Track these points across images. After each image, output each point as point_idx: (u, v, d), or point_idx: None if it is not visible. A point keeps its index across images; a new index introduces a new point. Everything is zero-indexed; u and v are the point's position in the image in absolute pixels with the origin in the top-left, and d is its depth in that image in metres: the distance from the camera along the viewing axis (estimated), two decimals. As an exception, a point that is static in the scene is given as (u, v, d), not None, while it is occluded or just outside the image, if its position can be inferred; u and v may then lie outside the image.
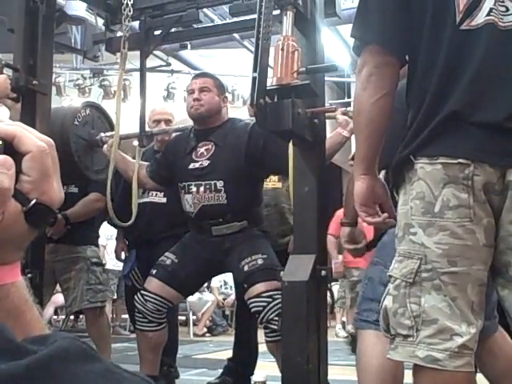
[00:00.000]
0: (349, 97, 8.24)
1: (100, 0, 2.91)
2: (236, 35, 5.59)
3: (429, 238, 1.27)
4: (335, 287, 7.93)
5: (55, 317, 7.32)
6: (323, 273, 1.99)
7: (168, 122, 3.34)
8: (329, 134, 2.38)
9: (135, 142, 2.88)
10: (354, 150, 1.59)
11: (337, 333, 7.33)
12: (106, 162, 2.90)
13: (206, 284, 7.58)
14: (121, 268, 3.94)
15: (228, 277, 6.66)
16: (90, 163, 2.93)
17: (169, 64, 6.40)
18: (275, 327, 2.33)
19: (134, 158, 2.86)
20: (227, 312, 8.03)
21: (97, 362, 0.40)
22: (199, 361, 4.77)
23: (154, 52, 3.77)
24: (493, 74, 1.27)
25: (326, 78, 2.31)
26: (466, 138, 1.27)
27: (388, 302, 1.34)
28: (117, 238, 3.71)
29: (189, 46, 4.92)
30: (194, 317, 7.40)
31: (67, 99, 6.74)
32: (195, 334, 7.17)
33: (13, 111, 2.57)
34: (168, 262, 2.60)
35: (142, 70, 2.87)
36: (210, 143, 2.63)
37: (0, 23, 2.78)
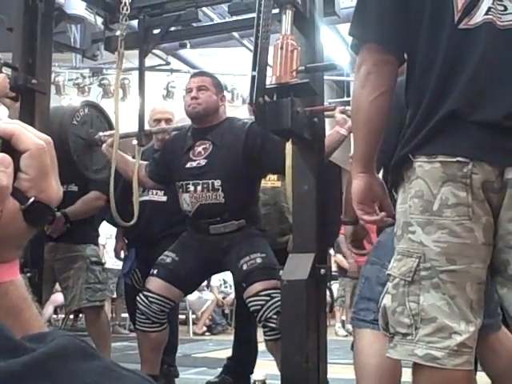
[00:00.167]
0: (348, 96, 8.23)
1: (99, -1, 2.91)
2: (235, 34, 5.59)
3: (427, 236, 1.27)
4: (335, 286, 7.93)
5: (55, 316, 7.32)
6: (322, 271, 1.99)
7: (168, 121, 3.34)
8: (327, 132, 2.38)
9: (134, 141, 2.87)
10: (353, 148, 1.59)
11: (336, 331, 7.34)
12: (104, 162, 2.90)
13: (205, 283, 7.58)
14: (120, 267, 3.94)
15: (227, 276, 6.66)
16: (88, 162, 2.93)
17: (168, 63, 6.40)
18: (274, 326, 2.33)
19: (133, 157, 2.86)
20: (227, 311, 8.04)
21: (96, 359, 0.40)
22: (199, 360, 4.77)
23: (154, 51, 3.76)
24: (491, 73, 1.27)
25: (325, 77, 2.31)
26: (465, 136, 1.27)
27: (387, 300, 1.34)
28: (116, 237, 3.71)
29: (188, 44, 4.90)
30: (194, 316, 7.40)
31: (66, 98, 6.74)
32: (195, 333, 7.17)
33: (12, 110, 2.57)
34: (168, 260, 2.60)
35: (141, 69, 2.87)
36: (207, 142, 2.63)
37: (-1, 22, 2.78)
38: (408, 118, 1.38)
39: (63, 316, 7.31)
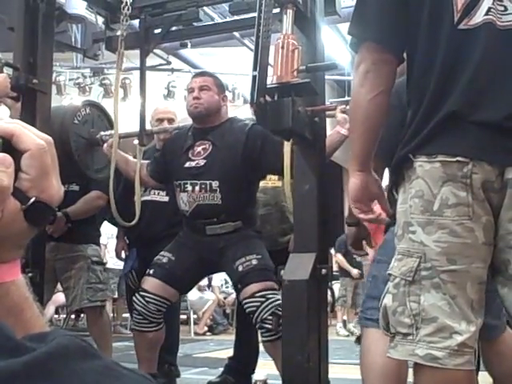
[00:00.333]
0: (349, 95, 8.18)
1: (100, -2, 2.91)
2: (236, 34, 5.58)
3: (428, 236, 1.27)
4: (336, 286, 7.93)
5: (56, 316, 7.32)
6: (323, 271, 1.99)
7: (171, 120, 3.34)
8: (329, 132, 2.38)
9: (136, 141, 2.88)
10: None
11: (337, 331, 7.34)
12: (106, 161, 2.90)
13: (207, 283, 7.59)
14: (121, 267, 3.94)
15: (229, 276, 6.66)
16: (90, 162, 2.93)
17: (169, 63, 6.39)
18: (270, 326, 2.33)
19: (134, 157, 2.86)
20: (228, 311, 8.05)
21: (96, 359, 0.40)
22: (200, 360, 4.77)
23: (154, 51, 3.76)
24: (492, 74, 1.27)
25: (326, 77, 2.30)
26: (465, 136, 1.27)
27: (387, 300, 1.34)
28: (117, 237, 3.71)
29: (189, 44, 4.91)
30: (195, 316, 7.41)
31: (67, 98, 6.74)
32: (196, 333, 7.18)
33: (13, 110, 2.57)
34: (164, 260, 2.60)
35: (142, 69, 2.87)
36: (207, 142, 2.63)
37: (0, 22, 2.78)
38: (408, 118, 1.38)
39: (65, 316, 7.32)
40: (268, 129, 1.95)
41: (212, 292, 7.75)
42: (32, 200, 0.49)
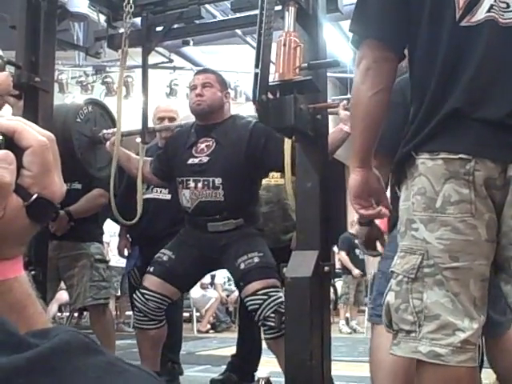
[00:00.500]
0: (351, 93, 8.21)
1: (102, -3, 2.91)
2: (238, 31, 5.58)
3: (430, 233, 1.27)
4: (339, 283, 7.94)
5: (59, 314, 7.34)
6: (326, 269, 1.98)
7: (172, 119, 3.34)
8: (331, 129, 2.38)
9: (138, 139, 2.88)
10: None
11: (340, 329, 7.34)
12: (108, 159, 2.90)
13: (209, 281, 7.60)
14: (124, 265, 3.94)
15: (231, 273, 6.66)
16: (92, 160, 2.93)
17: (171, 60, 6.39)
18: (273, 324, 2.34)
19: (137, 154, 2.86)
20: (231, 308, 8.05)
21: (99, 355, 0.40)
22: (203, 357, 4.78)
23: (156, 49, 3.76)
24: (494, 71, 1.27)
25: (328, 74, 2.30)
26: (467, 133, 1.26)
27: (390, 297, 1.34)
28: (120, 235, 3.72)
29: (191, 42, 4.91)
30: (198, 313, 7.42)
31: (69, 96, 6.75)
32: (199, 331, 7.19)
33: (15, 109, 2.57)
34: (165, 258, 2.60)
35: (145, 67, 2.87)
36: (211, 139, 2.63)
37: (2, 20, 2.78)
38: (411, 116, 1.38)
39: (68, 314, 7.33)
40: (270, 126, 1.94)
41: (215, 290, 7.76)
42: (34, 197, 0.49)
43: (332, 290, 7.49)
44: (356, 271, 7.33)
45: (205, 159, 2.59)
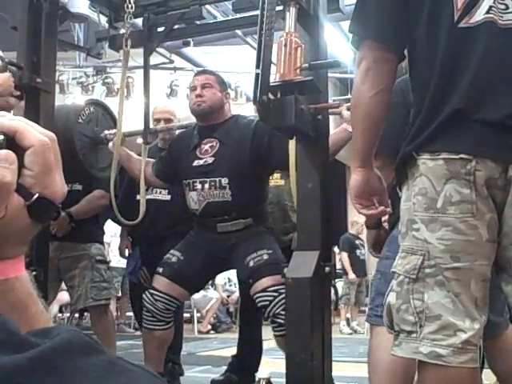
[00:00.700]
0: (351, 93, 8.21)
1: (103, -3, 2.91)
2: (239, 32, 5.58)
3: (431, 233, 1.27)
4: (339, 284, 7.94)
5: (60, 315, 7.33)
6: (327, 269, 1.98)
7: (168, 121, 3.33)
8: (332, 130, 2.38)
9: (139, 140, 2.88)
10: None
11: (341, 329, 7.34)
12: (110, 160, 2.90)
13: (210, 281, 7.60)
14: (125, 265, 3.94)
15: (232, 274, 6.67)
16: (94, 161, 2.93)
17: (172, 61, 6.40)
18: (282, 321, 2.33)
19: (139, 155, 2.86)
20: (231, 309, 8.05)
21: (100, 354, 0.40)
22: (203, 358, 4.78)
23: (157, 49, 3.77)
24: (493, 73, 1.27)
25: (329, 74, 2.30)
26: (468, 134, 1.27)
27: (391, 298, 1.34)
28: (121, 236, 3.72)
29: (191, 42, 4.92)
30: (199, 314, 7.42)
31: (70, 97, 6.75)
32: (199, 331, 7.19)
33: (16, 109, 2.57)
34: (174, 259, 2.60)
35: (146, 67, 2.87)
36: (214, 140, 2.63)
37: (3, 21, 2.78)
38: (412, 117, 1.38)
39: (68, 315, 7.33)
40: (271, 127, 1.94)
41: (215, 290, 7.76)
42: (35, 196, 0.49)
43: (333, 290, 7.50)
44: (352, 275, 7.32)
45: (210, 160, 2.58)
